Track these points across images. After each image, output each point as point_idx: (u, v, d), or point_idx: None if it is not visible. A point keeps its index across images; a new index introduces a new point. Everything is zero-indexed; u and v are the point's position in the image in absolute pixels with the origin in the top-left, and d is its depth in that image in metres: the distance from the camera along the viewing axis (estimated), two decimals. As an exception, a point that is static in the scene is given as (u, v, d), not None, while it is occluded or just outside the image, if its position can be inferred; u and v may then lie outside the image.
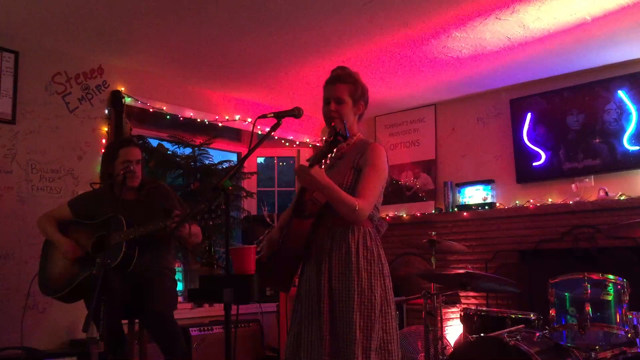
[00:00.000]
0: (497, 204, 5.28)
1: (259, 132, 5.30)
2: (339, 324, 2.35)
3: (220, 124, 5.33)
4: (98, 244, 3.29)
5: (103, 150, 4.49)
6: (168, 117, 5.00)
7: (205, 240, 4.22)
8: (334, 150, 2.20)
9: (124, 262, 3.17)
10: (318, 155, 2.22)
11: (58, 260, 3.38)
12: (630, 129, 4.64)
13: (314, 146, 6.15)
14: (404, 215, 5.82)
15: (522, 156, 5.18)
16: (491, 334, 3.16)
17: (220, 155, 5.73)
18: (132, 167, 3.34)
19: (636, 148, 4.60)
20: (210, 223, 2.63)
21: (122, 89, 4.66)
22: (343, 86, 2.58)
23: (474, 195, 5.43)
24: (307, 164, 2.34)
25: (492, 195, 5.33)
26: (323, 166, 2.27)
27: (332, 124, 2.49)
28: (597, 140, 4.80)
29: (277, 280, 2.59)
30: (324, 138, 2.79)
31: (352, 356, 2.27)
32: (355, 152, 2.51)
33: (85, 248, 3.32)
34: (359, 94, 2.62)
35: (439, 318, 3.91)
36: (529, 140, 5.15)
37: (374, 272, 2.40)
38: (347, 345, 2.30)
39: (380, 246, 2.50)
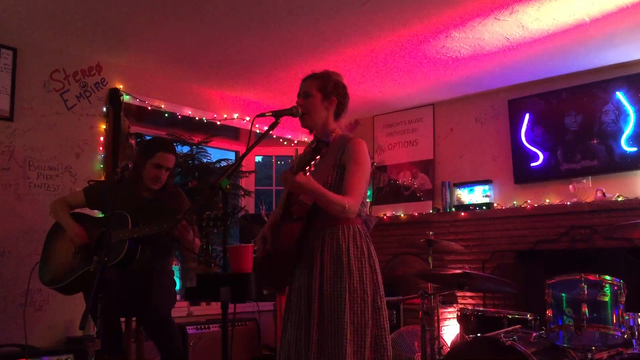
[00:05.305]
0: (495, 204, 5.29)
1: (257, 131, 5.31)
2: (328, 325, 2.37)
3: (218, 123, 5.33)
4: (101, 240, 3.28)
5: (101, 148, 4.51)
6: (166, 115, 5.00)
7: (203, 238, 4.21)
8: (317, 157, 2.22)
9: (125, 260, 3.17)
10: (302, 162, 2.24)
11: (61, 250, 3.39)
12: (627, 131, 4.65)
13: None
14: (402, 215, 5.82)
15: (520, 157, 5.18)
16: (488, 334, 3.17)
17: (219, 153, 5.73)
18: (159, 174, 3.35)
19: (634, 149, 4.61)
20: (215, 231, 2.64)
21: (121, 86, 4.66)
22: (312, 81, 2.62)
23: (471, 195, 5.44)
24: (292, 170, 2.36)
25: (489, 196, 5.33)
26: (308, 173, 2.28)
27: (314, 132, 2.53)
28: (595, 142, 4.81)
29: (271, 282, 2.60)
30: (306, 139, 2.83)
31: (342, 355, 2.28)
32: (336, 149, 2.51)
33: (89, 242, 3.32)
34: (330, 88, 2.61)
35: (436, 318, 3.91)
36: (527, 140, 5.16)
37: (365, 270, 2.43)
38: (335, 346, 2.32)
39: (370, 242, 2.53)
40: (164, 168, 3.37)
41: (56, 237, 3.45)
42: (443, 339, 4.32)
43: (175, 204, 3.42)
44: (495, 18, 3.91)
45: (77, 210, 3.49)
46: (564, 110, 4.98)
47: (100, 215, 3.64)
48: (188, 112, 5.12)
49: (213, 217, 2.57)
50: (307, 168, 2.26)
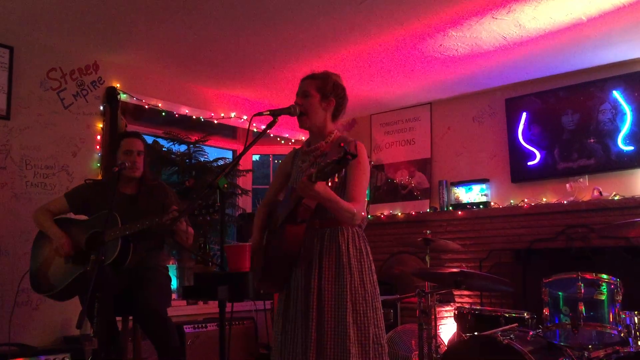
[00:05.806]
0: (492, 203, 5.29)
1: (255, 130, 5.30)
2: (328, 325, 2.37)
3: (215, 122, 5.32)
4: (91, 241, 3.27)
5: (98, 146, 4.51)
6: (163, 114, 4.98)
7: (200, 237, 4.21)
8: (343, 170, 2.17)
9: (119, 259, 3.16)
10: (324, 172, 2.15)
11: (50, 257, 3.36)
12: (624, 129, 4.66)
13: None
14: (399, 214, 5.82)
15: (517, 155, 5.19)
16: (485, 333, 3.18)
17: (216, 152, 5.73)
18: (132, 158, 3.34)
19: (630, 148, 4.62)
20: (208, 218, 2.64)
21: (118, 85, 4.65)
22: (311, 81, 2.62)
23: (469, 194, 5.44)
24: (310, 178, 2.29)
25: (487, 195, 5.34)
26: (330, 183, 2.24)
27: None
28: (592, 140, 4.81)
29: (271, 284, 2.59)
30: (304, 138, 2.80)
31: (346, 355, 2.28)
32: (337, 152, 2.50)
33: (79, 245, 3.31)
34: (329, 89, 2.61)
35: (433, 317, 3.92)
36: (524, 139, 5.16)
37: (364, 270, 2.45)
38: (338, 346, 2.32)
39: (367, 243, 2.55)
40: (135, 152, 3.38)
41: (44, 243, 3.41)
42: (440, 338, 4.33)
43: (159, 196, 3.41)
44: (493, 17, 3.92)
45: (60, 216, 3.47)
46: (561, 109, 4.98)
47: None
48: (185, 110, 5.11)
49: (205, 206, 2.57)
50: (330, 179, 2.18)
